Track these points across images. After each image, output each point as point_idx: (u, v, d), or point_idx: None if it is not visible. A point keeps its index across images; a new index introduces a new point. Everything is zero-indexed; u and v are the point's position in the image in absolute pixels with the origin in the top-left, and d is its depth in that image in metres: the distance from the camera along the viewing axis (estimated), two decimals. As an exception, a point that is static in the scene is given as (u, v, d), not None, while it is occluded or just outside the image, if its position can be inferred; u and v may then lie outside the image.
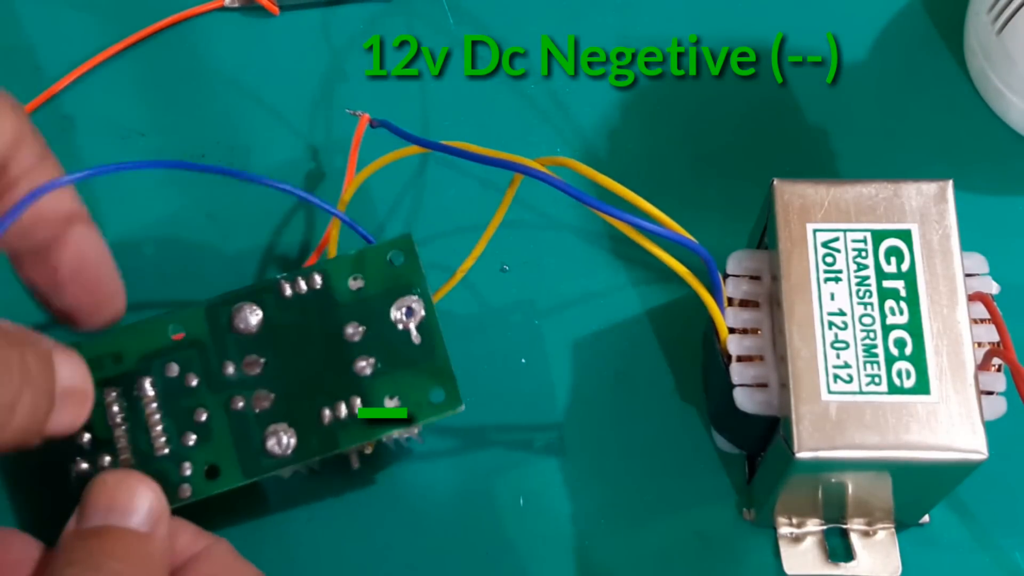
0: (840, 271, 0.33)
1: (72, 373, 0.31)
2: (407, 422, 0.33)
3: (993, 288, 0.34)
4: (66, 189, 0.32)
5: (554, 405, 0.38)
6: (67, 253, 0.32)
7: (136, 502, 0.29)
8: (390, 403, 0.33)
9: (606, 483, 0.37)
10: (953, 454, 0.31)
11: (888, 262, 0.33)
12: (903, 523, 0.36)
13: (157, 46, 0.44)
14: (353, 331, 0.34)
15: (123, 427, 0.33)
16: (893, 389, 0.31)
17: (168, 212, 0.41)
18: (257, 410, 0.33)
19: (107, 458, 0.33)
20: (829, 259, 0.33)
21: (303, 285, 0.34)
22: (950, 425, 0.31)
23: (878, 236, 0.33)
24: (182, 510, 0.32)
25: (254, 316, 0.34)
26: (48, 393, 0.29)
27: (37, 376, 0.29)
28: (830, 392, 0.31)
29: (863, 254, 0.33)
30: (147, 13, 0.44)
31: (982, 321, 0.33)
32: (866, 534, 0.36)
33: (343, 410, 0.33)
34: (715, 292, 0.33)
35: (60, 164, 0.32)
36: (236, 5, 0.45)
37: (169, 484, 0.32)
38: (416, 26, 0.44)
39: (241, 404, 0.33)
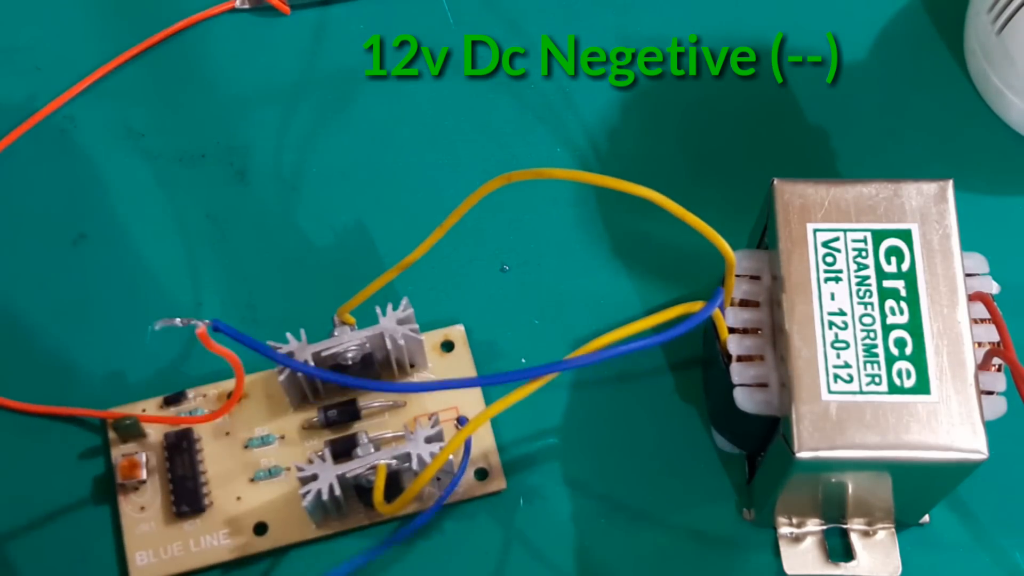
0: (840, 271, 0.33)
1: None
2: None
3: (993, 288, 0.34)
4: None
5: (554, 405, 0.38)
6: None
7: None
8: None
9: (606, 483, 0.37)
10: (953, 454, 0.31)
11: (888, 262, 0.33)
12: (903, 523, 0.36)
13: (170, 50, 0.44)
14: None
15: None
16: (893, 389, 0.31)
17: (168, 212, 0.41)
18: None
19: None
20: (829, 259, 0.33)
21: None
22: (950, 425, 0.31)
23: (878, 236, 0.33)
24: None
25: None
26: None
27: None
28: (830, 392, 0.31)
29: (863, 254, 0.33)
30: (158, 17, 0.44)
31: (982, 321, 0.33)
32: (866, 534, 0.36)
33: None
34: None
35: None
36: (247, 6, 0.45)
37: None
38: (416, 26, 0.44)
39: None
